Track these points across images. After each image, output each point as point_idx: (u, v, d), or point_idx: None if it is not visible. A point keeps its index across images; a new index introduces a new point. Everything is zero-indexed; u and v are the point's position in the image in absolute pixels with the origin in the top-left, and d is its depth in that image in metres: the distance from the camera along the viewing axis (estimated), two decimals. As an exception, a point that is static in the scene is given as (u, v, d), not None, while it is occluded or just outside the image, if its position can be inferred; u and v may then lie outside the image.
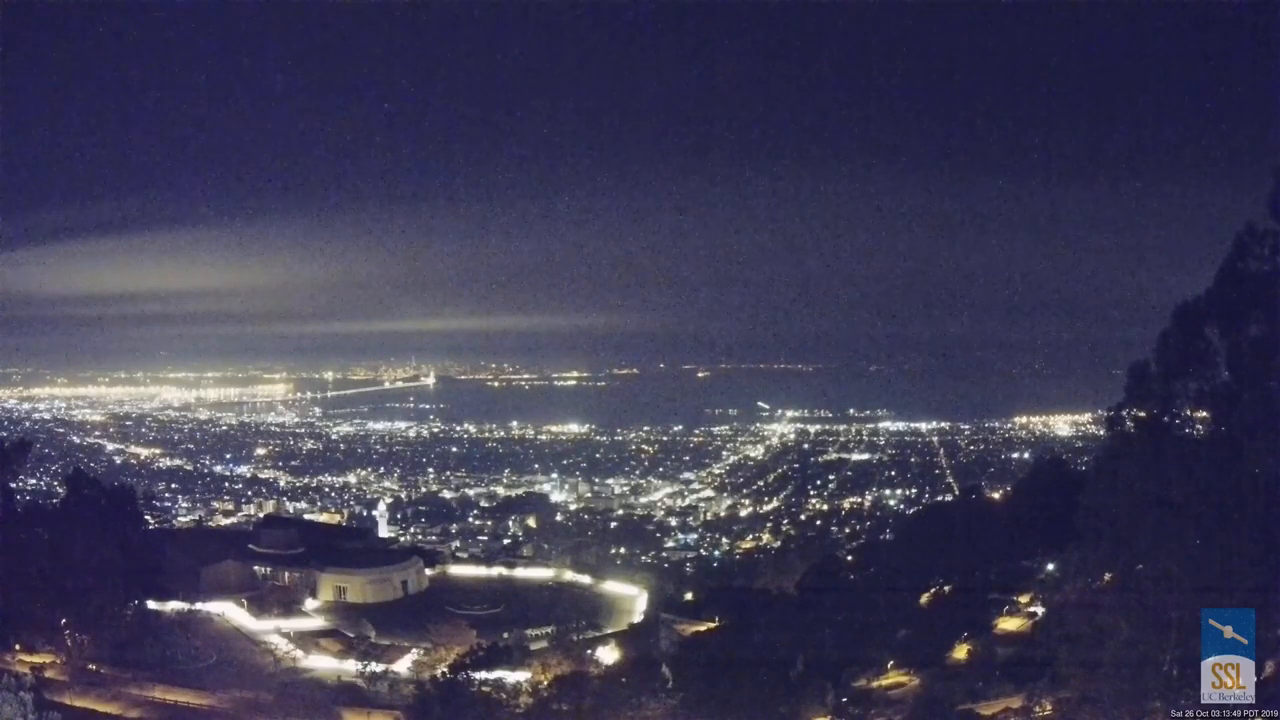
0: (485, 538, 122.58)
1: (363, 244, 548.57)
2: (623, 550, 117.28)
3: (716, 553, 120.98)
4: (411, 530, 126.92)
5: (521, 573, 74.21)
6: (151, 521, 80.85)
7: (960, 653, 45.49)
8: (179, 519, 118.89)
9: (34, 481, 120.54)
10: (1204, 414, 28.17)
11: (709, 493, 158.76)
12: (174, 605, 53.51)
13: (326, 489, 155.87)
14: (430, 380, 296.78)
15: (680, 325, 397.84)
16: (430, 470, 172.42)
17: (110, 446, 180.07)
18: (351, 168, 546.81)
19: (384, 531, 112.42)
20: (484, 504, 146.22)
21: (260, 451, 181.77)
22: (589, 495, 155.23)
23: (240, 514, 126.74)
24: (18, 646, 41.94)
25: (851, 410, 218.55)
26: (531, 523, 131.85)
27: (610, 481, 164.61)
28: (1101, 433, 40.66)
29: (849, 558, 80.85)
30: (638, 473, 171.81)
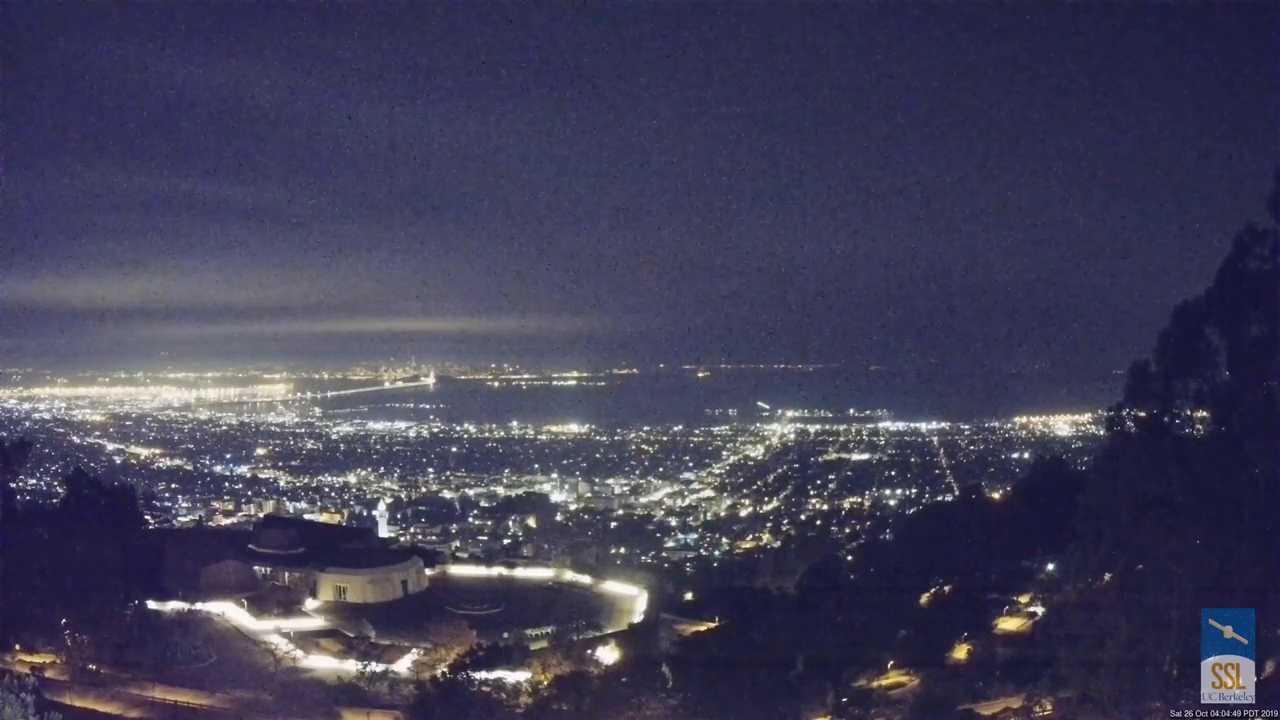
0: (485, 538, 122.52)
1: (363, 242, 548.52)
2: (623, 550, 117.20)
3: (716, 553, 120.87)
4: (411, 530, 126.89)
5: (521, 573, 74.06)
6: (151, 521, 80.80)
7: (960, 653, 45.49)
8: (179, 519, 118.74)
9: (34, 481, 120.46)
10: (1204, 414, 28.13)
11: (709, 493, 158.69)
12: (174, 605, 53.40)
13: (326, 489, 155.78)
14: (430, 380, 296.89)
15: (680, 325, 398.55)
16: (430, 470, 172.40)
17: (110, 446, 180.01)
18: (351, 164, 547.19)
19: (384, 531, 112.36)
20: (484, 504, 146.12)
21: (260, 451, 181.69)
22: (589, 495, 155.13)
23: (240, 514, 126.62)
24: (18, 646, 41.91)
25: (851, 410, 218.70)
26: (531, 523, 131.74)
27: (610, 481, 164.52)
28: (1101, 433, 40.64)
29: (849, 558, 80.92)
30: (638, 473, 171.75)
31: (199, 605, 54.34)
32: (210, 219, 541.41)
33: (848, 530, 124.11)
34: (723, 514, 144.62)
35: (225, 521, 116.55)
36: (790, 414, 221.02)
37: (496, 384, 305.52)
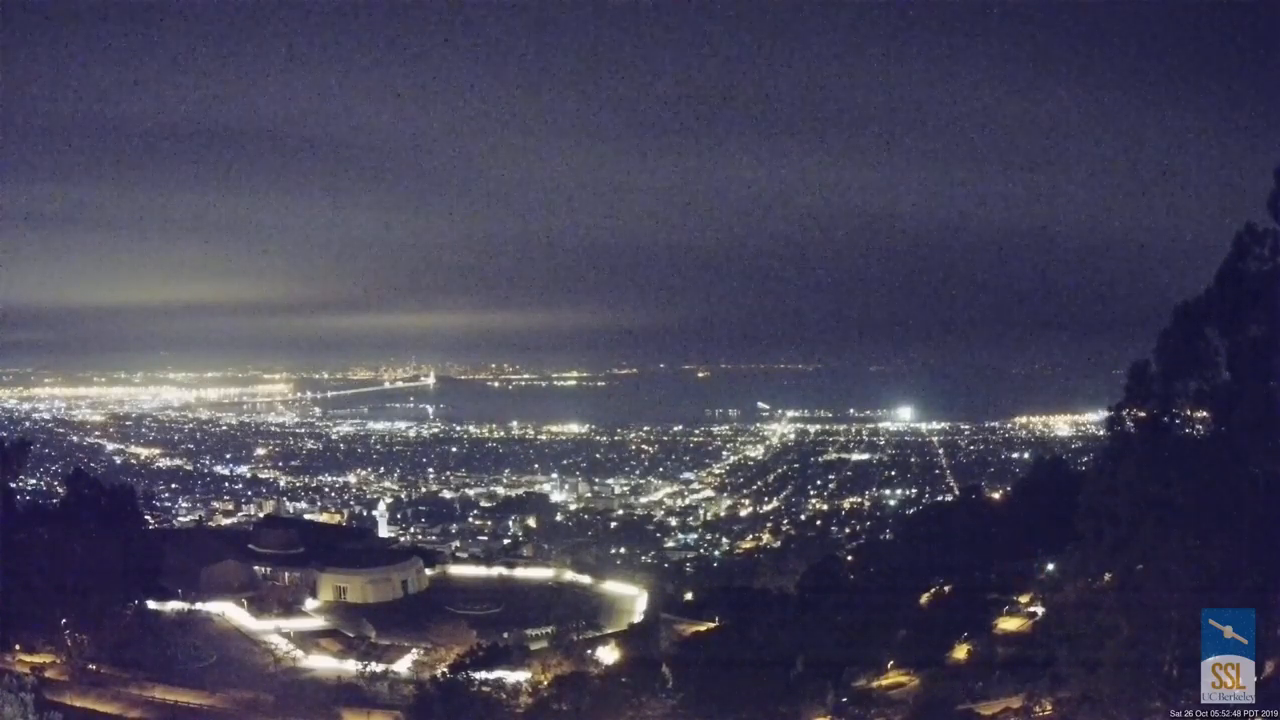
0: (485, 538, 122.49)
1: (362, 239, 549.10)
2: (623, 550, 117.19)
3: (716, 553, 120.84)
4: (411, 530, 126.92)
5: (521, 573, 74.01)
6: (151, 521, 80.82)
7: (960, 653, 45.43)
8: (179, 519, 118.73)
9: (34, 481, 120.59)
10: (1204, 414, 28.08)
11: (709, 493, 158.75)
12: (174, 605, 53.39)
13: (326, 489, 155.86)
14: (430, 380, 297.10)
15: (680, 325, 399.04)
16: (430, 470, 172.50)
17: (110, 446, 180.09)
18: (350, 159, 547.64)
19: (384, 531, 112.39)
20: (484, 504, 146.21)
21: (260, 451, 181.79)
22: (589, 495, 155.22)
23: (240, 514, 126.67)
24: (18, 646, 41.87)
25: (852, 410, 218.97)
26: (531, 523, 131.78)
27: (610, 481, 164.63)
28: (1101, 433, 40.58)
29: (849, 558, 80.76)
30: (638, 473, 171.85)
31: (199, 605, 54.31)
32: (210, 217, 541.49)
33: (848, 530, 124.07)
34: (723, 514, 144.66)
35: (225, 521, 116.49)
36: (790, 414, 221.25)
37: (496, 384, 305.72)
